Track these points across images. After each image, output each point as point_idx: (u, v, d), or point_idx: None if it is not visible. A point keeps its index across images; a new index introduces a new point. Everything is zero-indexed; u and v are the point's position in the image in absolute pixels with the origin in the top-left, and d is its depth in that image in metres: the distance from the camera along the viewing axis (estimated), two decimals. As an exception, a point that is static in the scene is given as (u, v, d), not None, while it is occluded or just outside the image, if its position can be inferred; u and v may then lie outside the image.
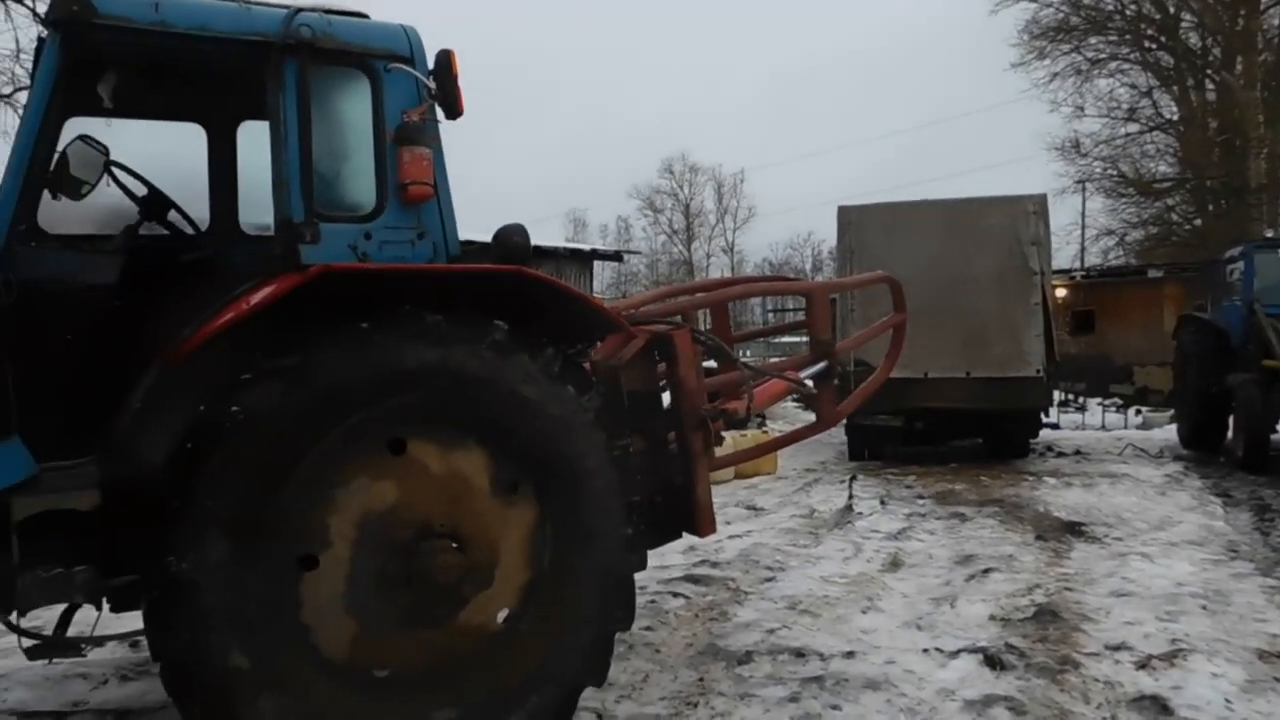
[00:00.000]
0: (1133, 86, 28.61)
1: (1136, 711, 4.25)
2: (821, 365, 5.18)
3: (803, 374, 5.12)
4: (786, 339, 27.56)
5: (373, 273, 3.38)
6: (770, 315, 27.71)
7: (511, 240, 3.90)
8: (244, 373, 3.16)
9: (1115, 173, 29.60)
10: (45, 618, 3.79)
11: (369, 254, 3.56)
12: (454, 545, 3.44)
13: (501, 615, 3.68)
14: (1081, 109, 28.82)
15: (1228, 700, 4.33)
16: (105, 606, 3.59)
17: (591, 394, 3.68)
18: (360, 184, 3.62)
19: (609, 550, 3.73)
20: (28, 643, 3.34)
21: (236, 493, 3.04)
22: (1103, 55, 28.34)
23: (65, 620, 3.62)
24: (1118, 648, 5.05)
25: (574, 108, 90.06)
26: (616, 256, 22.60)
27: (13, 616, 3.25)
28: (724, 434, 4.52)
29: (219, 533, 3.02)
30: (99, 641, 3.52)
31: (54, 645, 3.40)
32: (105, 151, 3.51)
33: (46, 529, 3.15)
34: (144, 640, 4.85)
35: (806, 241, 60.77)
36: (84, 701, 4.35)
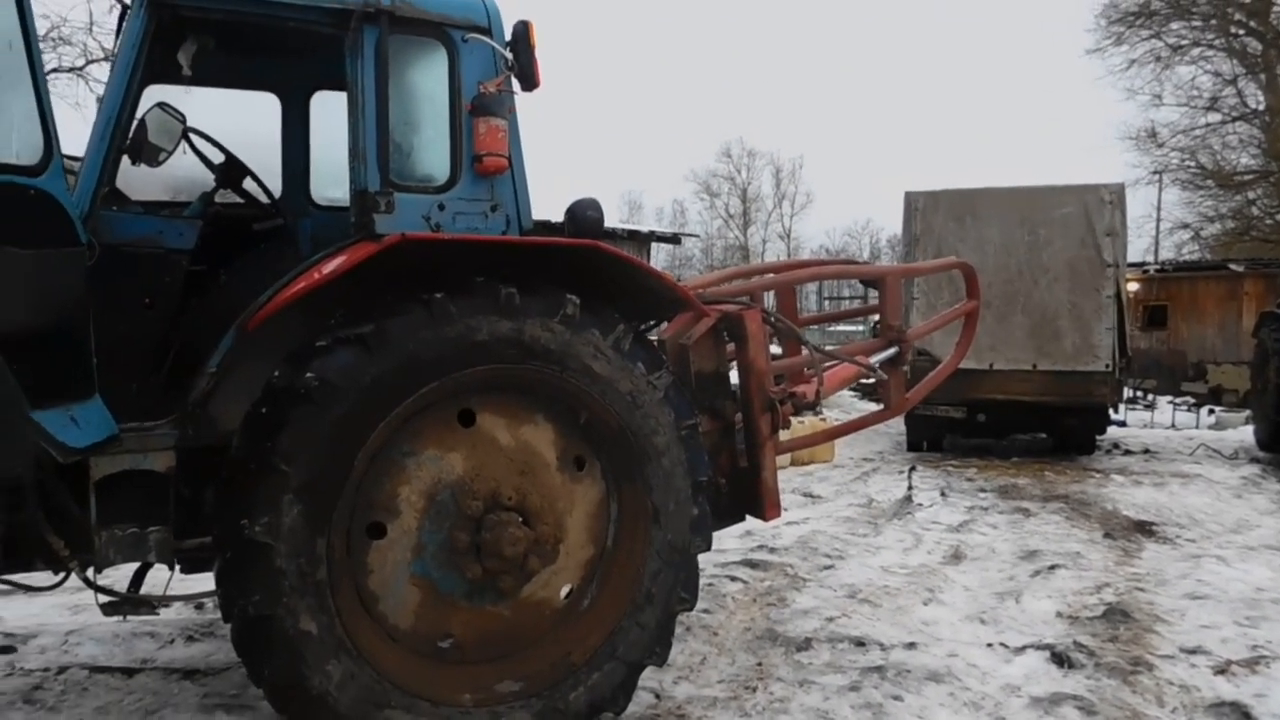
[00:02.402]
0: (1216, 74, 27.56)
1: (1215, 716, 4.12)
2: (892, 351, 5.06)
3: (872, 359, 5.01)
4: (841, 328, 27.30)
5: (448, 243, 3.37)
6: (826, 303, 27.36)
7: (585, 214, 3.87)
8: (319, 340, 3.18)
9: (1193, 164, 28.58)
10: (116, 576, 3.87)
11: (442, 225, 3.55)
12: (520, 519, 3.42)
13: (565, 591, 3.67)
14: (1160, 97, 27.90)
15: (1312, 710, 4.16)
16: (176, 568, 3.65)
17: (661, 372, 3.63)
18: (435, 155, 3.61)
19: (675, 529, 3.69)
20: (103, 599, 3.41)
21: (310, 459, 3.06)
22: (1185, 41, 27.35)
23: (138, 579, 3.69)
24: (1194, 651, 4.89)
25: (632, 89, 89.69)
26: (674, 239, 22.51)
27: (89, 573, 3.32)
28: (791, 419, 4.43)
29: (292, 498, 3.04)
30: (170, 601, 3.58)
31: (128, 602, 3.48)
32: (182, 119, 3.55)
33: (123, 489, 3.21)
34: (209, 603, 4.99)
35: (865, 229, 60.02)
36: (151, 659, 4.46)
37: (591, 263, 3.53)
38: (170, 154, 3.54)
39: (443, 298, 3.21)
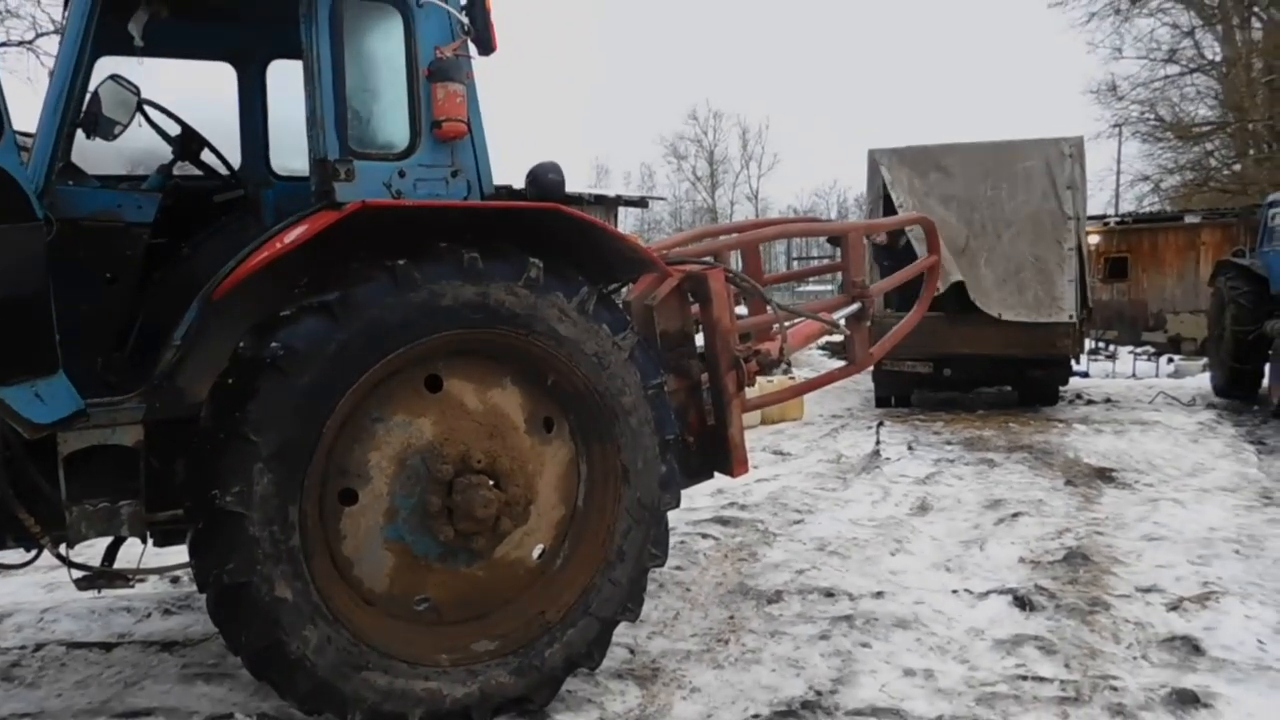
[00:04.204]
0: (1174, 26, 27.73)
1: (1168, 651, 4.27)
2: (856, 307, 5.14)
3: (836, 315, 5.08)
4: (810, 287, 27.42)
5: (409, 209, 3.37)
6: (795, 263, 27.48)
7: (547, 178, 3.88)
8: (284, 309, 3.19)
9: (1153, 117, 28.85)
10: (89, 553, 3.89)
11: (403, 191, 3.54)
12: (491, 481, 3.47)
13: (538, 551, 3.74)
14: (1119, 50, 28.04)
15: (1260, 641, 4.34)
16: (149, 542, 3.67)
17: (626, 332, 3.67)
18: (394, 121, 3.59)
19: (644, 488, 3.75)
20: (77, 574, 3.43)
21: (279, 427, 3.08)
22: (1144, -7, 27.44)
23: (111, 554, 3.71)
24: (1149, 590, 5.06)
25: (596, 52, 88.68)
26: (641, 203, 22.39)
27: (62, 549, 3.33)
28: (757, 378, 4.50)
29: (262, 466, 3.06)
30: (145, 574, 3.61)
31: (102, 576, 3.49)
32: (137, 91, 3.51)
33: (93, 464, 3.22)
34: (184, 576, 5.03)
35: (833, 189, 60.02)
36: (129, 633, 4.48)
37: (554, 226, 3.55)
38: (125, 127, 3.50)
39: (406, 264, 3.22)
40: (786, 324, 4.71)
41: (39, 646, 4.25)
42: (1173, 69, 27.96)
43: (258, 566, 3.09)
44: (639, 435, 3.73)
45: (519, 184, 4.11)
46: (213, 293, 3.24)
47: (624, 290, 4.68)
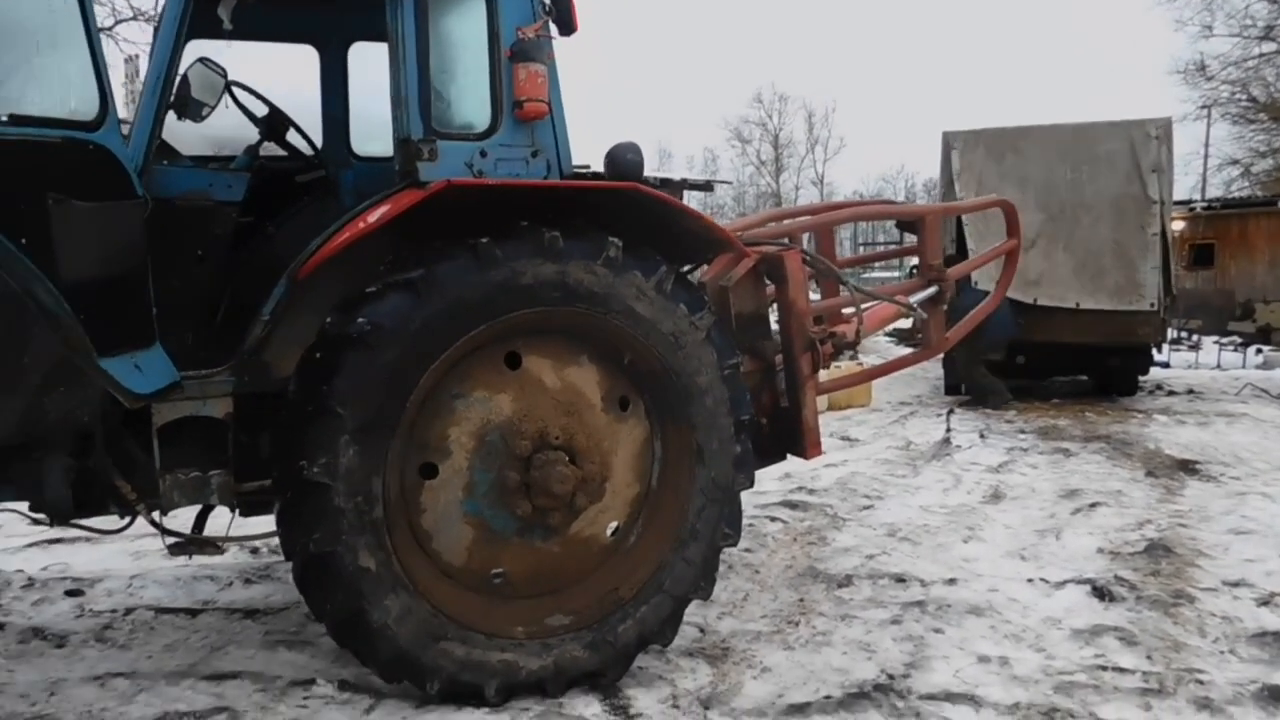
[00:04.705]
0: (1272, 1, 26.52)
1: (1258, 647, 4.14)
2: (932, 290, 5.05)
3: (912, 299, 5.01)
4: (875, 273, 27.02)
5: (493, 188, 3.41)
6: (860, 248, 27.08)
7: (625, 158, 3.89)
8: (369, 286, 3.26)
9: (1245, 97, 27.69)
10: (177, 523, 4.03)
11: (485, 171, 3.59)
12: (567, 458, 3.51)
13: (611, 528, 3.77)
14: (1210, 28, 26.96)
15: (1356, 639, 4.17)
16: (235, 513, 3.80)
17: (703, 312, 3.67)
18: (476, 102, 3.63)
19: (718, 467, 3.76)
20: (169, 540, 3.57)
21: (364, 401, 3.16)
22: (1238, -35, 26.33)
23: (200, 522, 3.84)
24: (1236, 584, 4.91)
25: (661, 34, 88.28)
26: (706, 186, 22.23)
27: (155, 516, 3.47)
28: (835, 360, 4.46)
29: (348, 439, 3.14)
30: (233, 541, 3.74)
31: (194, 543, 3.63)
32: (224, 73, 3.61)
33: (184, 435, 3.34)
34: (263, 546, 5.19)
35: (899, 173, 59.02)
36: (213, 600, 4.65)
37: (632, 205, 3.56)
38: (213, 109, 3.61)
39: (488, 242, 3.26)
40: (863, 307, 4.65)
41: (129, 611, 4.44)
42: (1269, 46, 26.78)
43: (343, 536, 3.18)
44: (714, 415, 3.73)
45: (588, 165, 4.12)
46: (299, 270, 3.33)
47: (698, 271, 4.66)
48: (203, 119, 3.61)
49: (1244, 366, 16.37)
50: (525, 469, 3.48)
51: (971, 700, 3.63)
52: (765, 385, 4.40)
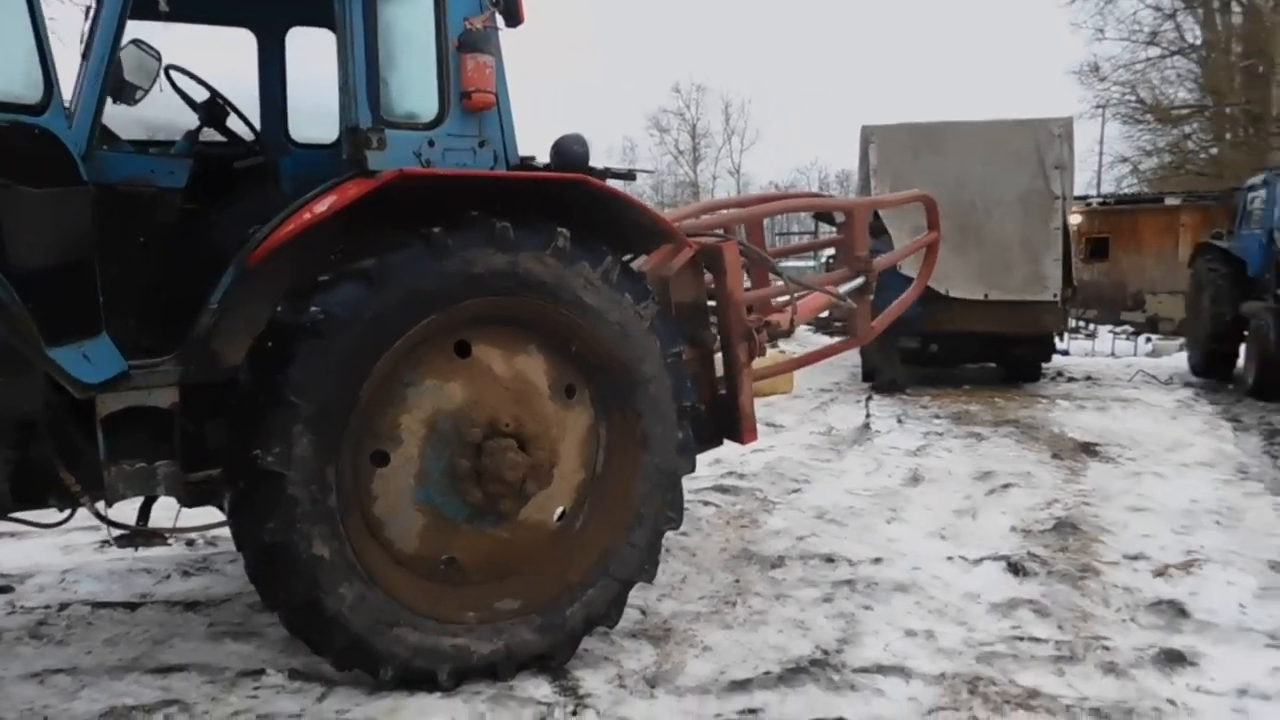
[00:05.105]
0: (1156, 8, 27.99)
1: (1155, 614, 4.45)
2: (859, 281, 5.26)
3: (841, 289, 5.21)
4: (786, 263, 27.51)
5: (446, 178, 3.44)
6: (776, 239, 27.54)
7: (572, 149, 3.96)
8: (318, 274, 3.26)
9: (1134, 99, 29.16)
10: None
11: (433, 161, 3.61)
12: (518, 445, 3.57)
13: (558, 513, 3.85)
14: (1102, 31, 28.29)
15: (1241, 605, 4.54)
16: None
17: (648, 302, 3.77)
18: (423, 91, 3.65)
19: (662, 453, 3.87)
20: (115, 533, 3.51)
21: (318, 390, 3.17)
22: (1127, -27, 27.66)
23: (144, 514, 3.78)
24: (1136, 557, 5.26)
25: (578, 24, 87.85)
26: (629, 175, 22.25)
27: (99, 507, 3.40)
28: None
29: (302, 428, 3.15)
30: (181, 532, 3.69)
31: (139, 535, 3.57)
32: (158, 56, 3.55)
33: (130, 425, 3.29)
34: (199, 539, 5.10)
35: (813, 165, 60.09)
36: (151, 594, 4.56)
37: (579, 196, 3.63)
38: (147, 92, 3.55)
39: (440, 232, 3.30)
40: (797, 296, 4.82)
41: (63, 606, 4.33)
42: (1154, 51, 28.29)
43: (297, 525, 3.19)
44: (658, 402, 3.84)
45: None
46: (249, 258, 3.31)
47: (636, 261, 4.76)
48: (136, 103, 3.54)
49: (1135, 354, 17.32)
50: (476, 456, 3.52)
51: (901, 672, 3.83)
52: (703, 373, 4.53)
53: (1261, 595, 4.65)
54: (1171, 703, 3.57)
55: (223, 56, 4.54)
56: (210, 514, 3.98)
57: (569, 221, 3.59)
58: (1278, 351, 11.03)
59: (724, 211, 5.32)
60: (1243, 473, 7.44)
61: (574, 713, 3.46)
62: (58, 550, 5.05)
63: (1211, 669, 3.85)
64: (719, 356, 4.58)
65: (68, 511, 3.50)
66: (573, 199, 3.65)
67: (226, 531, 4.68)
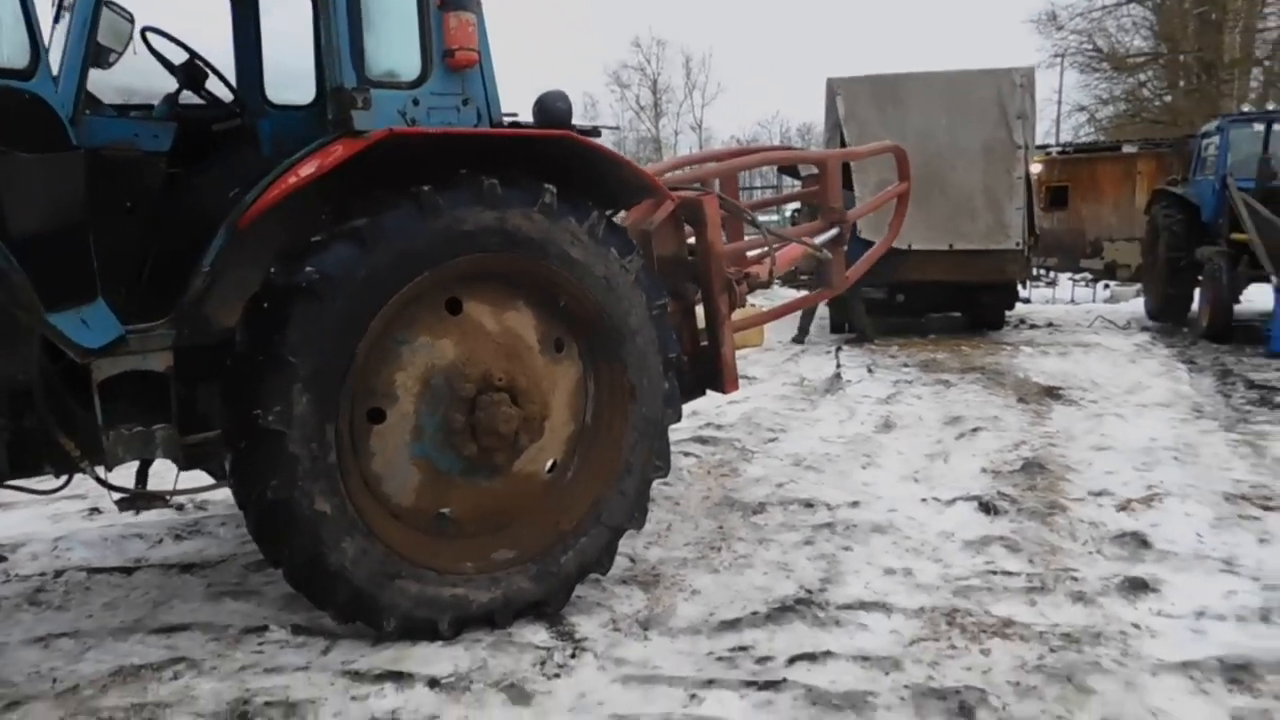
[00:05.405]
0: (1112, -45, 28.12)
1: (1119, 546, 4.67)
2: (834, 232, 5.36)
3: (817, 240, 5.30)
4: (761, 216, 27.63)
5: (435, 136, 3.47)
6: (741, 193, 27.56)
7: (555, 106, 3.99)
8: (310, 235, 3.29)
9: (1091, 47, 29.40)
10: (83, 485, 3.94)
11: (418, 120, 3.63)
12: (510, 399, 3.65)
13: (549, 464, 3.94)
14: (1060, -22, 28.36)
15: (1199, 535, 4.77)
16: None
17: (633, 255, 3.84)
18: (406, 50, 3.65)
19: (649, 404, 3.97)
20: (117, 496, 3.54)
21: (315, 350, 3.21)
22: (1083, -80, 27.71)
23: (141, 477, 3.81)
24: (1100, 494, 5.48)
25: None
26: (594, 131, 22.18)
27: (99, 471, 3.43)
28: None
29: (301, 387, 3.20)
30: (182, 494, 3.73)
31: (141, 498, 3.61)
32: (131, 19, 3.52)
33: (126, 390, 3.31)
34: (189, 503, 5.14)
35: (774, 119, 59.92)
36: (145, 558, 4.60)
37: (564, 153, 3.68)
38: (120, 55, 3.52)
39: (431, 191, 3.33)
40: (775, 247, 4.91)
41: (59, 573, 4.36)
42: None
43: (299, 483, 3.25)
44: (644, 354, 3.92)
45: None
46: (239, 220, 3.32)
47: (617, 216, 4.81)
48: (109, 66, 3.51)
49: (1094, 301, 17.71)
50: (470, 410, 3.60)
51: (883, 607, 3.99)
52: (685, 325, 4.62)
53: (1217, 525, 4.90)
54: (1136, 626, 3.77)
55: (193, 19, 4.49)
56: (202, 478, 4.04)
57: (553, 178, 3.63)
58: (1229, 295, 11.39)
59: (703, 166, 5.37)
60: (1198, 411, 7.72)
61: (572, 655, 3.59)
62: (46, 519, 5.06)
63: (1171, 594, 4.06)
64: (699, 309, 4.68)
65: (64, 478, 3.53)
66: (557, 155, 3.69)
67: (217, 495, 4.76)
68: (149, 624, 3.80)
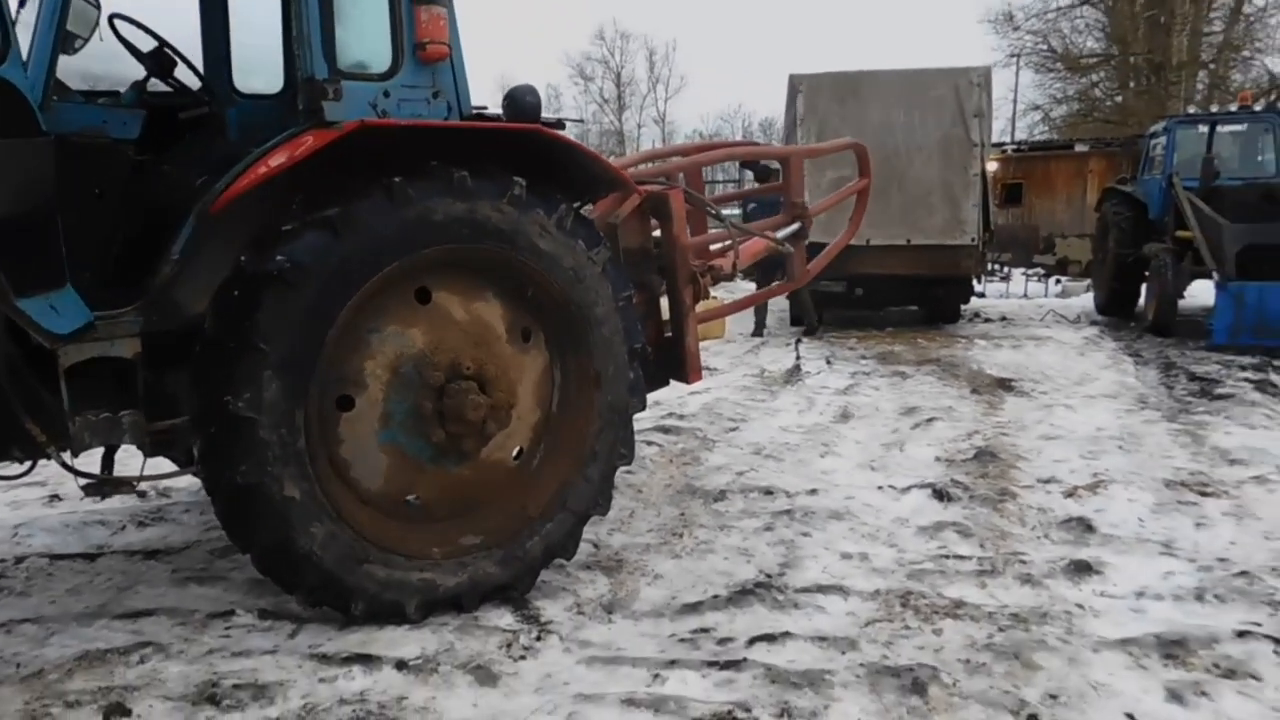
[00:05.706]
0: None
1: (1066, 530, 4.85)
2: (796, 226, 5.47)
3: (779, 234, 5.41)
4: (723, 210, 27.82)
5: (405, 128, 3.51)
6: (705, 186, 27.70)
7: (525, 100, 4.04)
8: (281, 224, 3.32)
9: (1045, 47, 29.97)
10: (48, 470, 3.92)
11: (388, 111, 3.66)
12: (478, 387, 3.71)
13: (515, 451, 4.01)
14: (1016, -21, 28.85)
15: (1140, 520, 4.97)
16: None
17: (600, 247, 3.92)
18: (377, 42, 3.68)
19: (614, 392, 4.05)
20: (83, 482, 3.54)
21: (285, 336, 3.24)
22: (1039, -78, 28.21)
23: (107, 463, 3.81)
24: (1048, 481, 5.68)
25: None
26: (559, 125, 22.16)
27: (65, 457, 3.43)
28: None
29: (271, 373, 3.23)
30: (149, 480, 3.73)
31: (108, 483, 3.61)
32: (97, 5, 3.52)
33: (92, 376, 3.31)
34: (151, 490, 5.12)
35: (737, 113, 60.20)
36: (108, 545, 4.59)
37: (534, 146, 3.74)
38: (86, 41, 3.51)
39: (402, 182, 3.38)
40: (738, 241, 5.01)
41: (20, 559, 4.33)
42: (1064, 1, 28.98)
43: (268, 468, 3.28)
44: (610, 344, 4.00)
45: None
46: (209, 208, 3.34)
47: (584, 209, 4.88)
48: (74, 52, 3.50)
49: (1046, 295, 18.14)
50: (439, 398, 3.65)
51: (840, 590, 4.11)
52: (650, 316, 4.70)
53: (1157, 510, 5.10)
54: (1080, 606, 3.93)
55: (160, 6, 4.47)
56: (167, 465, 4.04)
57: (522, 170, 3.69)
58: (1174, 290, 11.73)
59: (668, 160, 5.45)
60: (1142, 403, 7.98)
61: (538, 638, 3.66)
62: (5, 506, 5.02)
63: (1114, 575, 4.23)
64: (664, 300, 4.77)
65: (27, 464, 3.52)
66: (527, 148, 3.75)
67: (180, 482, 4.75)
68: (114, 609, 3.80)
